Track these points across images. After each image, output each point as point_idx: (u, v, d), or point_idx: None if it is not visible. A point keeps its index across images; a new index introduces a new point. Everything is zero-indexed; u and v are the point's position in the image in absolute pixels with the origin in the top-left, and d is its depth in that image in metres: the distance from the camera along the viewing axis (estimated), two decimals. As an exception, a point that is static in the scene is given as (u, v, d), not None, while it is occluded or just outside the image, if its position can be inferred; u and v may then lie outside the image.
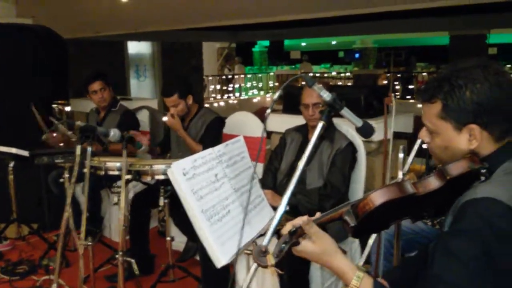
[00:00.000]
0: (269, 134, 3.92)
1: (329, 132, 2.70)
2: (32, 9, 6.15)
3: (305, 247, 1.27)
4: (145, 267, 3.22)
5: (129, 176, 2.70)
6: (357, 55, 21.89)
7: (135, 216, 3.25)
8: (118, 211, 2.70)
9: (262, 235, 1.89)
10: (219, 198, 1.78)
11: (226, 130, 3.45)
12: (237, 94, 15.59)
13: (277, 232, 1.30)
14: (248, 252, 2.11)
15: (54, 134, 3.37)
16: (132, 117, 4.06)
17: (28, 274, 3.39)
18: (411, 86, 13.39)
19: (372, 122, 1.54)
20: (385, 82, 13.47)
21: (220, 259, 1.65)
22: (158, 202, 2.96)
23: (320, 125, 1.38)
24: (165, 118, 3.34)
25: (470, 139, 1.28)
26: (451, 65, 1.32)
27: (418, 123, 1.39)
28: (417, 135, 1.43)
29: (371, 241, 2.16)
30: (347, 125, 2.78)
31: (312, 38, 19.26)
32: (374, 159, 3.46)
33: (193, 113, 3.38)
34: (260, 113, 3.81)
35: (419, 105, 1.36)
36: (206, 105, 7.29)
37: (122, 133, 2.70)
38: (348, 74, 17.76)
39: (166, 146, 3.63)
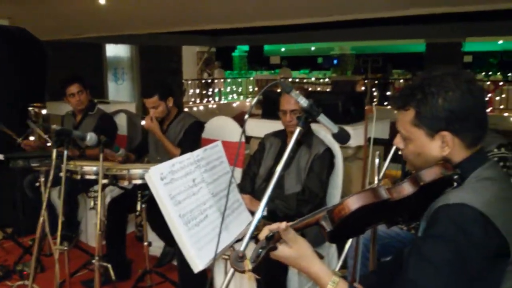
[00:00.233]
0: (248, 139, 3.92)
1: (307, 137, 2.72)
2: (9, 10, 6.03)
3: (282, 251, 1.28)
4: (121, 273, 3.19)
5: (106, 181, 2.68)
6: (335, 61, 22.16)
7: (112, 221, 3.23)
8: (94, 216, 2.67)
9: (239, 240, 1.90)
10: (197, 203, 1.78)
11: (205, 135, 3.44)
12: (216, 99, 15.60)
13: (254, 237, 1.31)
14: (226, 257, 2.11)
15: (32, 138, 3.31)
16: (110, 120, 4.02)
17: (2, 279, 3.32)
18: (388, 93, 13.59)
19: (349, 128, 1.57)
20: (363, 88, 13.63)
21: (197, 264, 1.65)
22: (136, 207, 2.92)
23: (297, 131, 1.40)
24: (143, 122, 3.31)
25: (442, 146, 1.30)
26: (424, 73, 1.35)
27: (394, 129, 1.41)
28: (393, 141, 1.45)
29: (347, 245, 2.19)
30: (325, 130, 2.81)
31: (291, 44, 19.44)
32: (351, 164, 3.50)
33: (172, 117, 3.36)
34: (240, 118, 3.82)
35: (396, 111, 1.38)
36: (186, 109, 7.25)
37: (99, 137, 2.67)
38: (326, 80, 17.93)
39: (142, 150, 3.59)
